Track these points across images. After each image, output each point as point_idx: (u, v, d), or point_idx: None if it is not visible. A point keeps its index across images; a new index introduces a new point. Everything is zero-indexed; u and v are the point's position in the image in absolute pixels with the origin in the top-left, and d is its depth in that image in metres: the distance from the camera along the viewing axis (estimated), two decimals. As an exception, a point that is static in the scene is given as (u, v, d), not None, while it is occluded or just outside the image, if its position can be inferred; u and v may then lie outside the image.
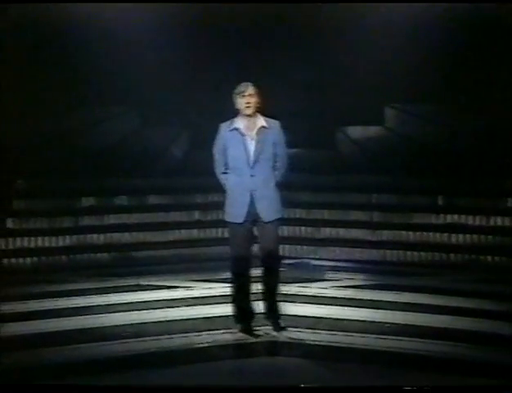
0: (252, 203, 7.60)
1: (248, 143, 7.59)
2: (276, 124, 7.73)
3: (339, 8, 13.76)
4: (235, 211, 7.68)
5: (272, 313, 7.81)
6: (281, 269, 7.88)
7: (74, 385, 5.90)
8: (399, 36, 13.40)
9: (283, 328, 7.77)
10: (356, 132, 14.26)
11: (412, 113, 14.20)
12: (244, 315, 7.77)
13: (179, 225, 11.95)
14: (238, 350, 7.17)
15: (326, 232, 11.89)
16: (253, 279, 7.73)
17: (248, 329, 7.67)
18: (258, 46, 14.71)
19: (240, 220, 7.63)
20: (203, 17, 14.08)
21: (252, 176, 7.59)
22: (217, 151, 7.75)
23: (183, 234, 11.83)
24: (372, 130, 14.44)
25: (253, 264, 7.70)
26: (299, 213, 12.10)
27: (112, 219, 11.97)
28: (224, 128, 7.70)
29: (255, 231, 7.74)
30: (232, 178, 7.69)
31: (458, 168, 12.13)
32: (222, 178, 7.78)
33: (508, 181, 11.71)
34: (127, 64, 13.41)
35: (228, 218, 7.75)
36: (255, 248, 7.75)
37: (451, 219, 11.51)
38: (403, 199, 12.07)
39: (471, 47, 13.14)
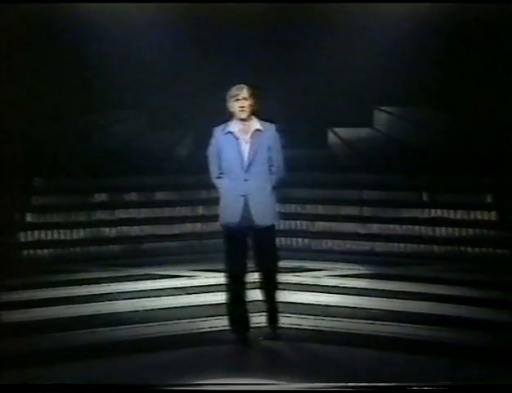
0: (246, 208, 6.88)
1: (242, 147, 6.90)
2: (271, 127, 7.01)
3: (333, 10, 13.33)
4: (228, 215, 6.94)
5: (269, 321, 7.26)
6: (279, 276, 7.20)
7: (74, 385, 5.72)
8: (394, 39, 13.00)
9: (278, 337, 7.23)
10: (347, 133, 14.25)
11: (399, 116, 14.20)
12: (239, 324, 7.11)
13: (184, 219, 11.96)
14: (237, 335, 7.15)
15: (320, 225, 11.89)
16: (249, 286, 7.08)
17: (243, 339, 7.07)
18: (255, 48, 14.10)
19: (233, 225, 6.90)
20: (209, 19, 13.68)
21: (246, 180, 6.88)
22: (211, 154, 7.07)
23: (188, 227, 11.82)
24: (362, 132, 14.42)
25: (250, 269, 7.02)
26: (295, 208, 12.09)
27: (122, 214, 11.97)
28: (218, 131, 6.99)
29: (250, 236, 6.99)
30: (226, 182, 6.99)
31: (441, 166, 12.13)
32: (216, 182, 7.09)
33: (486, 178, 11.72)
34: (137, 71, 13.33)
35: (222, 223, 7.04)
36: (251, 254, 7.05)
37: (434, 213, 11.52)
38: (391, 195, 12.06)
39: (456, 51, 12.94)
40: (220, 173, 7.03)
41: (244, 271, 7.01)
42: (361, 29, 13.37)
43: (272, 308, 7.24)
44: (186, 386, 5.84)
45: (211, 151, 7.05)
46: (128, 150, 13.17)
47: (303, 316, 7.96)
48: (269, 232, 7.01)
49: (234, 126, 6.96)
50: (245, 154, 6.90)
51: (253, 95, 6.91)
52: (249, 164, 6.89)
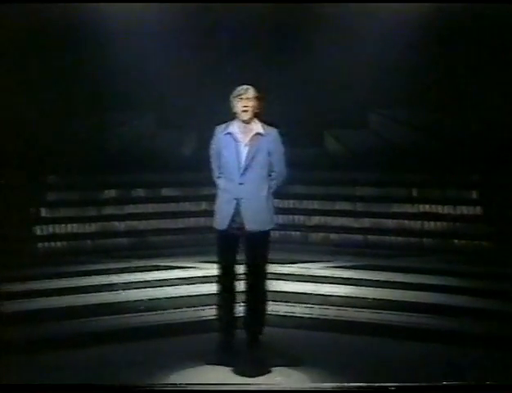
0: (237, 211, 6.30)
1: (240, 149, 6.33)
2: (273, 131, 6.42)
3: (329, 12, 13.11)
4: (220, 218, 6.41)
5: (250, 330, 6.44)
6: (266, 286, 6.44)
7: (74, 385, 5.60)
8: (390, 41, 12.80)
9: (257, 347, 6.40)
10: (342, 133, 14.23)
11: (391, 117, 14.17)
12: (226, 330, 6.49)
13: (188, 214, 11.96)
14: (237, 322, 7.13)
15: (316, 219, 11.89)
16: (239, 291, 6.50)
17: (229, 345, 6.43)
18: (257, 47, 13.73)
19: (224, 227, 6.34)
20: (215, 19, 13.44)
21: (240, 184, 6.30)
22: (212, 154, 6.55)
23: (192, 222, 11.81)
24: (356, 132, 14.39)
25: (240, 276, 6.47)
26: (293, 203, 12.09)
27: (131, 209, 11.96)
28: (219, 131, 6.46)
29: (241, 241, 6.41)
30: (222, 184, 6.44)
31: (430, 164, 12.12)
32: (217, 182, 6.53)
33: (471, 176, 11.71)
34: (145, 74, 13.22)
35: (214, 224, 6.49)
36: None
37: (423, 208, 11.51)
38: (382, 191, 12.06)
39: (445, 52, 12.79)
40: (220, 173, 6.50)
41: (234, 277, 6.45)
42: (357, 30, 13.13)
43: (253, 316, 6.43)
44: (186, 385, 5.74)
45: (212, 150, 6.54)
46: (136, 149, 13.16)
47: (298, 304, 7.96)
48: (260, 238, 6.36)
49: (235, 127, 6.40)
50: (243, 157, 6.33)
51: (258, 97, 6.35)
52: (246, 168, 6.32)
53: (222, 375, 6.05)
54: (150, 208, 12.06)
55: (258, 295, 6.42)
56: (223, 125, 6.46)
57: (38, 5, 11.81)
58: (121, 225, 11.69)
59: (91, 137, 13.19)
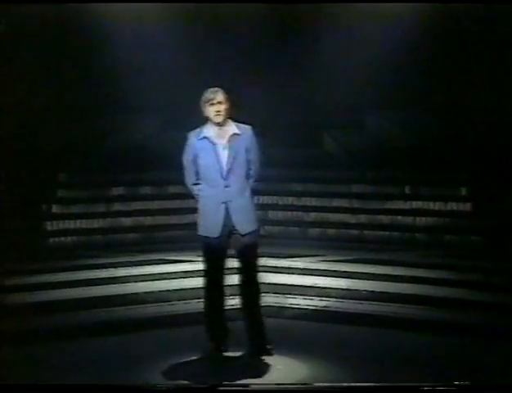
0: (227, 215, 5.97)
1: (220, 152, 5.98)
2: (248, 129, 6.09)
3: (326, 13, 12.93)
4: (209, 225, 6.03)
5: (252, 334, 6.14)
6: (260, 284, 6.20)
7: (74, 385, 5.51)
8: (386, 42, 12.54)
9: (263, 351, 6.07)
10: (339, 134, 14.22)
11: (385, 118, 14.15)
12: (216, 334, 6.15)
13: (192, 211, 11.91)
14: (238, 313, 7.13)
15: (314, 215, 11.90)
16: (229, 296, 6.30)
17: (219, 349, 6.11)
18: (253, 49, 13.39)
19: (216, 234, 5.99)
20: (216, 19, 13.26)
21: (226, 187, 5.97)
22: (186, 161, 6.15)
23: (195, 218, 11.78)
24: (352, 133, 14.37)
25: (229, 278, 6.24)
26: (291, 200, 12.09)
27: (138, 206, 11.96)
28: (193, 136, 6.10)
29: (231, 244, 6.08)
30: (206, 190, 6.07)
31: (422, 163, 12.11)
32: (193, 188, 6.17)
33: (461, 174, 11.71)
34: (152, 77, 13.15)
35: (202, 232, 6.09)
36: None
37: (415, 204, 11.52)
38: (377, 189, 12.06)
39: (436, 55, 12.70)
40: (197, 180, 6.13)
41: (224, 281, 6.15)
42: (355, 32, 12.98)
43: (253, 318, 6.16)
44: (187, 385, 5.68)
45: (186, 157, 6.16)
46: (142, 149, 13.16)
47: (297, 296, 7.96)
48: (251, 237, 6.06)
49: (210, 131, 6.04)
50: (224, 160, 5.98)
51: (228, 98, 6.02)
52: (229, 170, 5.98)
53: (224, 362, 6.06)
54: (156, 205, 12.07)
55: (255, 294, 6.15)
56: (197, 130, 6.12)
57: (46, 7, 11.69)
58: (128, 221, 11.71)
59: (100, 138, 13.18)
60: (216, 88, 6.04)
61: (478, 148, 11.62)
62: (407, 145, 12.80)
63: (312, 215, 11.91)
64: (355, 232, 11.46)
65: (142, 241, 11.36)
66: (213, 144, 6.02)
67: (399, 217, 11.41)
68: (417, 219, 11.27)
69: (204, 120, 6.13)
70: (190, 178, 6.19)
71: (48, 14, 11.93)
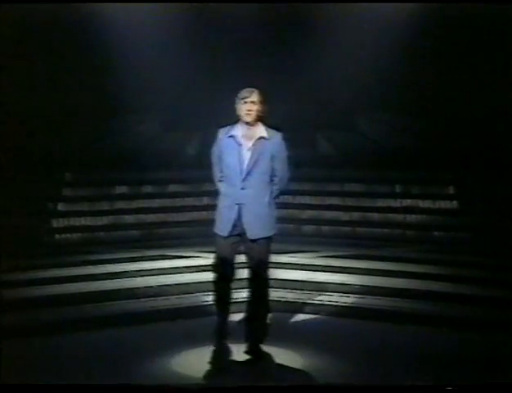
0: (239, 217, 5.77)
1: (243, 153, 5.78)
2: (277, 135, 5.87)
3: (321, 15, 12.52)
4: (221, 223, 5.87)
5: (251, 337, 5.97)
6: (268, 292, 5.97)
7: (74, 385, 5.44)
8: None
9: (259, 356, 5.90)
10: (332, 135, 14.19)
11: (377, 119, 14.13)
12: (220, 333, 6.00)
13: (192, 208, 11.93)
14: (238, 307, 7.10)
15: (309, 213, 11.89)
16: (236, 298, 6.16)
17: (223, 347, 5.97)
18: (256, 49, 12.93)
19: (225, 234, 5.81)
20: (221, 21, 12.84)
21: (242, 189, 5.76)
22: (213, 156, 6.00)
23: (195, 215, 11.77)
24: (345, 134, 14.34)
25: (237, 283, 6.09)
26: (287, 198, 12.05)
27: (140, 203, 11.92)
28: (222, 133, 5.91)
29: (241, 246, 5.90)
30: (224, 188, 5.90)
31: (411, 162, 12.09)
32: (219, 185, 6.00)
33: (448, 173, 11.69)
34: (153, 79, 13.05)
35: (215, 228, 5.94)
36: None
37: (405, 202, 11.51)
38: (369, 187, 12.04)
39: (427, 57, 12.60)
40: (221, 177, 5.97)
41: (232, 284, 5.95)
42: (349, 33, 12.85)
43: (255, 323, 5.97)
44: (186, 385, 5.62)
45: (214, 153, 6.00)
46: (144, 149, 13.12)
47: (294, 291, 7.95)
48: (261, 244, 5.82)
49: (238, 130, 5.84)
50: (245, 161, 5.77)
51: (262, 101, 5.82)
52: (248, 173, 5.77)
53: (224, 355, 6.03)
54: (158, 203, 12.03)
55: (259, 302, 5.95)
56: (226, 128, 5.92)
57: (45, 6, 11.57)
58: (131, 218, 11.67)
59: (104, 137, 13.14)
60: (253, 88, 5.85)
61: (465, 149, 11.60)
62: (398, 145, 12.77)
63: (307, 213, 11.89)
64: (348, 229, 11.43)
65: (144, 237, 11.31)
66: (239, 144, 5.82)
67: (390, 214, 11.40)
68: (407, 216, 11.26)
69: (235, 119, 5.91)
70: (216, 175, 6.02)
71: (48, 14, 11.81)
